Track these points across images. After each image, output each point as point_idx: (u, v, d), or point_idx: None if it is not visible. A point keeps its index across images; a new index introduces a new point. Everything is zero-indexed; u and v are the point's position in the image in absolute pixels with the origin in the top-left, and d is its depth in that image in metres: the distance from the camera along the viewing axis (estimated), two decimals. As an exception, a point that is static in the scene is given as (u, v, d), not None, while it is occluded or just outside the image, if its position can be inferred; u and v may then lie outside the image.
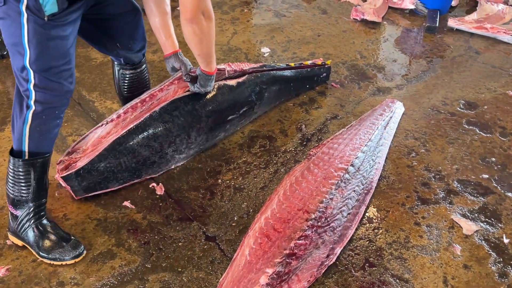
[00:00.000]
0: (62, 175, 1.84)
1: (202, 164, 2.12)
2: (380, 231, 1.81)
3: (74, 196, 1.88)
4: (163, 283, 1.62)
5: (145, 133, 1.95)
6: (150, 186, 1.98)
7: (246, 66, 2.32)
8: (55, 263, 1.66)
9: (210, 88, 2.06)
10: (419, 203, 1.93)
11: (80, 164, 1.86)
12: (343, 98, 2.53)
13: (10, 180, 1.66)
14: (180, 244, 1.76)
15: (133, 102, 2.06)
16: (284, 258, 1.53)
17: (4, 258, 1.69)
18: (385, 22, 3.27)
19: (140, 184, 2.00)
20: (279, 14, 3.36)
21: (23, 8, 1.43)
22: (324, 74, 2.60)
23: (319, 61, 2.57)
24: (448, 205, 1.93)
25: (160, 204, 1.92)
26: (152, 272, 1.66)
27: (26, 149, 1.62)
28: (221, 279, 1.59)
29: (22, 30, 1.46)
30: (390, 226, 1.83)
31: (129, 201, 1.92)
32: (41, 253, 1.67)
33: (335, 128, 2.31)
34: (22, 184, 1.65)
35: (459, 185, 2.02)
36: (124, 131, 1.93)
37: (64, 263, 1.66)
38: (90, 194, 1.91)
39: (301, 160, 2.10)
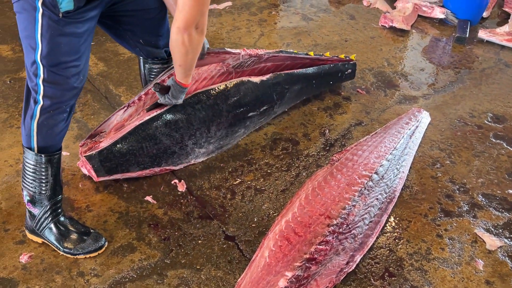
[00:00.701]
0: (86, 155, 1.86)
1: (224, 164, 2.12)
2: (402, 241, 1.79)
3: (95, 177, 1.90)
4: (182, 279, 1.63)
5: (167, 123, 1.97)
6: (172, 182, 2.00)
7: (261, 51, 2.31)
8: (79, 257, 1.67)
9: (181, 101, 1.95)
10: (442, 215, 1.91)
11: (103, 144, 1.89)
12: (368, 105, 2.51)
13: (29, 176, 1.65)
14: (199, 241, 1.76)
15: (151, 84, 2.06)
16: (304, 263, 1.52)
17: (27, 245, 1.72)
18: (413, 31, 3.24)
19: (162, 180, 2.01)
20: (306, 17, 3.35)
21: (39, 3, 1.44)
22: (350, 71, 2.54)
23: (341, 56, 2.53)
24: (471, 218, 1.90)
25: (182, 200, 1.93)
26: (171, 268, 1.67)
27: (35, 145, 1.62)
28: (239, 279, 1.59)
29: (36, 25, 1.46)
30: (412, 236, 1.81)
31: (151, 196, 1.93)
32: (62, 249, 1.68)
33: (359, 134, 2.29)
34: (43, 180, 1.65)
35: (483, 199, 1.99)
36: (147, 117, 1.95)
37: (87, 256, 1.67)
38: (111, 177, 1.93)
39: (324, 165, 2.09)
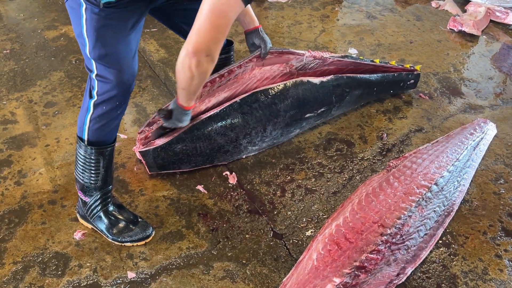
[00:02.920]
0: (140, 150, 1.89)
1: (276, 160, 2.10)
2: (457, 257, 1.71)
3: (148, 171, 1.94)
4: (227, 272, 1.63)
5: (223, 122, 1.97)
6: (224, 174, 2.00)
7: (326, 54, 2.26)
8: (126, 244, 1.70)
9: (186, 123, 1.87)
10: (503, 234, 1.80)
11: (159, 142, 1.91)
12: (430, 111, 2.40)
13: (80, 167, 1.67)
14: (247, 236, 1.76)
15: (211, 77, 2.06)
16: (353, 270, 1.48)
17: (81, 223, 1.77)
18: (484, 36, 3.07)
19: (214, 170, 2.02)
20: (371, 16, 3.26)
21: None
22: (412, 81, 2.47)
23: (407, 65, 2.45)
24: (535, 241, 1.78)
25: (232, 193, 1.93)
26: (218, 259, 1.67)
27: (86, 138, 1.62)
28: (285, 279, 1.57)
29: (81, 20, 1.46)
30: (468, 254, 1.72)
31: (202, 185, 1.94)
32: (111, 237, 1.70)
33: (419, 141, 2.20)
34: (93, 172, 1.66)
35: (550, 222, 1.86)
36: (204, 117, 1.95)
37: (134, 244, 1.69)
38: (162, 172, 1.95)
39: (379, 171, 2.03)
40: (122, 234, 1.69)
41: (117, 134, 2.16)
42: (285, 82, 2.11)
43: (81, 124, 1.62)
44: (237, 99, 2.02)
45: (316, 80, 2.17)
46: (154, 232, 1.73)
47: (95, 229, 1.74)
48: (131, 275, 1.61)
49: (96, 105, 1.56)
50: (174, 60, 2.70)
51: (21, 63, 2.65)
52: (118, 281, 1.59)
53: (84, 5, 1.44)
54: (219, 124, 1.96)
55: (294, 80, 2.13)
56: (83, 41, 1.49)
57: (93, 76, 1.53)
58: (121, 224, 1.70)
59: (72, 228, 1.76)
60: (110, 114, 1.58)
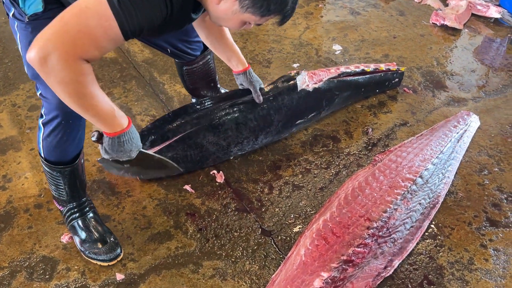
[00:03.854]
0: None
1: (262, 157, 2.11)
2: (443, 248, 1.73)
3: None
4: (216, 270, 1.63)
5: (216, 133, 1.95)
6: (211, 173, 2.00)
7: (323, 74, 2.25)
8: (90, 260, 1.64)
9: (128, 156, 1.47)
10: (488, 225, 1.83)
11: (149, 151, 1.87)
12: (415, 105, 2.43)
13: (48, 180, 1.63)
14: (235, 234, 1.76)
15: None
16: (340, 264, 1.49)
17: (69, 225, 1.76)
18: (466, 30, 3.11)
19: (202, 170, 2.02)
20: (354, 11, 3.28)
21: (11, 15, 1.36)
22: (396, 80, 2.50)
23: (393, 67, 2.47)
24: (519, 230, 1.81)
25: (219, 192, 1.93)
26: (207, 258, 1.67)
27: (43, 155, 1.56)
28: (273, 275, 1.58)
29: (17, 38, 1.40)
30: (454, 244, 1.75)
31: (189, 185, 1.94)
32: (79, 247, 1.67)
33: (404, 135, 2.23)
34: (59, 186, 1.62)
35: (533, 211, 1.89)
36: (196, 127, 1.92)
37: (98, 263, 1.63)
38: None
39: (365, 165, 2.05)
40: (89, 249, 1.64)
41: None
42: (280, 91, 2.10)
43: (37, 142, 1.55)
44: (231, 109, 1.99)
45: (310, 87, 2.17)
46: (121, 255, 1.66)
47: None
48: (119, 276, 1.60)
49: (44, 124, 1.48)
50: (159, 60, 2.70)
51: (4, 67, 2.63)
52: (107, 283, 1.58)
53: (16, 22, 1.36)
54: (212, 134, 1.94)
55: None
56: (23, 60, 1.39)
57: (39, 95, 1.43)
58: (91, 239, 1.65)
59: (59, 231, 1.75)
60: (58, 134, 1.47)
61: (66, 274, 1.61)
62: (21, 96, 2.41)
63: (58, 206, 1.70)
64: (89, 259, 1.65)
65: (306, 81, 2.14)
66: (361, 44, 2.92)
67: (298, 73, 2.17)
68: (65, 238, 1.72)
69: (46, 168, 1.59)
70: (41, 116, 1.48)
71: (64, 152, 1.55)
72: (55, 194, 1.66)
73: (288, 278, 1.50)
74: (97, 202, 1.85)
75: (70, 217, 1.68)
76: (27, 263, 1.64)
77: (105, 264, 1.63)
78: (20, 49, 1.43)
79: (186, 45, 1.94)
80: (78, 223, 1.67)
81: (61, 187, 1.62)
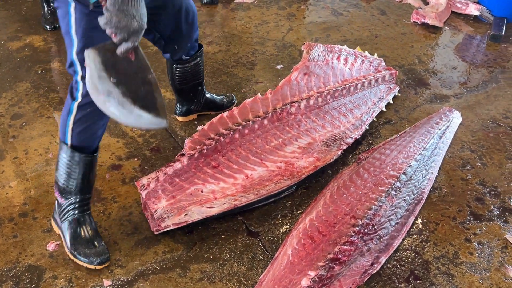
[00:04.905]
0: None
1: (249, 159, 2.11)
2: (428, 244, 1.75)
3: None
4: (204, 273, 1.64)
5: None
6: (197, 176, 2.00)
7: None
8: (76, 261, 1.64)
9: (126, 25, 1.25)
10: (471, 219, 1.85)
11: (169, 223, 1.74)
12: (397, 103, 2.45)
13: (60, 169, 1.63)
14: (223, 236, 1.76)
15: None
16: (327, 262, 1.50)
17: (54, 233, 1.75)
18: (446, 28, 3.15)
19: (187, 174, 2.01)
20: (336, 12, 3.30)
21: None
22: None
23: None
24: (502, 223, 1.84)
25: (206, 195, 1.93)
26: (194, 261, 1.67)
27: (69, 141, 1.59)
28: (261, 276, 1.58)
29: (70, 20, 1.42)
30: (439, 239, 1.77)
31: (175, 189, 1.94)
32: (68, 247, 1.65)
33: (388, 133, 2.25)
34: (72, 176, 1.62)
35: (515, 204, 1.92)
36: None
37: (85, 265, 1.63)
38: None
39: (350, 164, 2.06)
40: (79, 249, 1.63)
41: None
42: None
43: (63, 127, 1.58)
44: None
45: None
46: (108, 261, 1.65)
47: (60, 234, 1.70)
48: (107, 283, 1.59)
49: (80, 107, 1.53)
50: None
51: (-15, 75, 2.60)
52: (94, 290, 1.58)
53: (73, 4, 1.39)
54: None
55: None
56: (70, 41, 1.45)
57: (78, 77, 1.49)
58: (84, 238, 1.64)
59: (45, 239, 1.74)
60: (93, 117, 1.54)
61: (53, 282, 1.60)
62: (3, 105, 2.39)
63: (59, 198, 1.67)
64: (75, 260, 1.64)
65: None
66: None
67: None
68: (51, 246, 1.71)
69: (66, 154, 1.59)
70: (75, 99, 1.51)
71: (94, 136, 1.61)
72: (63, 184, 1.64)
73: (275, 279, 1.51)
74: (82, 209, 1.84)
75: (69, 212, 1.66)
76: (13, 272, 1.63)
77: (92, 267, 1.62)
78: (68, 30, 1.43)
79: (186, 43, 1.96)
80: (75, 219, 1.66)
81: (73, 176, 1.62)
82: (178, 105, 2.27)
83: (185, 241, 1.74)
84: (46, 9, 3.04)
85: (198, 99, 2.23)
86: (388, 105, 2.42)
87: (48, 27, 3.01)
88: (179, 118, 2.29)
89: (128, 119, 1.35)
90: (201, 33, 2.99)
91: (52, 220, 1.76)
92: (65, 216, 1.67)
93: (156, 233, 1.73)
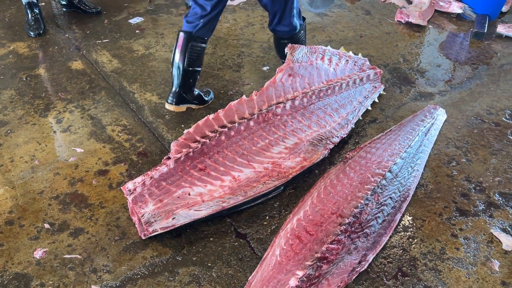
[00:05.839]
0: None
1: (236, 161, 2.11)
2: (415, 240, 1.76)
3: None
4: (193, 276, 1.63)
5: None
6: (185, 179, 2.00)
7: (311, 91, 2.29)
8: None
9: None
10: (457, 214, 1.87)
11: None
12: (383, 102, 2.47)
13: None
14: (211, 239, 1.76)
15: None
16: (315, 262, 1.51)
17: (41, 241, 1.74)
18: (430, 26, 3.18)
19: (175, 177, 2.01)
20: (321, 13, 3.32)
21: None
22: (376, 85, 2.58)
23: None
24: (488, 218, 1.86)
25: (193, 198, 1.93)
26: (183, 265, 1.67)
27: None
28: (250, 277, 1.59)
29: None
30: (426, 236, 1.78)
31: (163, 193, 1.93)
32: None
33: (374, 132, 2.26)
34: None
35: (500, 198, 1.94)
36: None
37: None
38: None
39: (337, 163, 2.07)
40: None
41: (74, 148, 2.14)
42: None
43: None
44: None
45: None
46: None
47: None
48: (95, 289, 1.59)
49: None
50: (128, 69, 2.69)
51: (-31, 84, 2.58)
52: (83, 296, 1.57)
53: None
54: None
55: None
56: None
57: None
58: None
59: (31, 247, 1.72)
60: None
61: (40, 290, 1.59)
62: (-12, 113, 2.37)
63: None
64: None
65: None
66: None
67: None
68: (38, 254, 1.69)
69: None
70: None
71: None
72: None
73: (264, 279, 1.51)
74: (70, 215, 1.84)
75: None
76: (0, 281, 1.61)
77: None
78: None
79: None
80: None
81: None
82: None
83: (173, 245, 1.74)
84: (30, 15, 3.02)
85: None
86: (373, 104, 2.44)
87: (32, 33, 2.99)
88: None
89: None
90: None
91: None
92: None
93: (144, 237, 1.72)
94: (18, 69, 2.70)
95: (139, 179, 1.82)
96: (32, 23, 3.01)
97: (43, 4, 3.44)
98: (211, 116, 2.05)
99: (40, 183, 1.98)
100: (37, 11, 3.04)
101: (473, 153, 2.16)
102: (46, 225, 1.80)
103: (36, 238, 1.75)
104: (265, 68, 2.72)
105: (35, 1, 3.04)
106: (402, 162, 1.91)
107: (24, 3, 3.02)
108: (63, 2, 3.30)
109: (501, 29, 3.06)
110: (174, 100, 2.32)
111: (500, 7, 3.25)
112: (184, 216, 1.74)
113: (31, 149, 2.15)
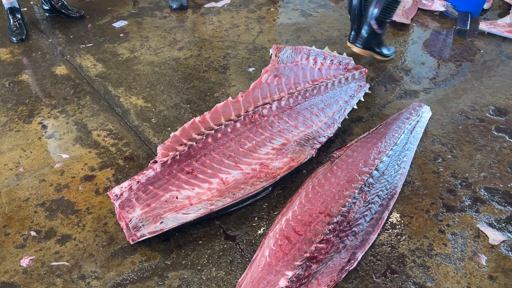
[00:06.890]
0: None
1: (224, 163, 2.11)
2: (403, 237, 1.78)
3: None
4: (182, 280, 1.63)
5: None
6: (172, 183, 1.99)
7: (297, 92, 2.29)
8: None
9: None
10: (444, 210, 1.89)
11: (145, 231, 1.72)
12: (368, 100, 2.49)
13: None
14: (200, 242, 1.76)
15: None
16: (304, 261, 1.51)
17: (28, 249, 1.72)
18: (414, 24, 3.21)
19: (162, 181, 2.00)
20: (305, 13, 3.33)
21: None
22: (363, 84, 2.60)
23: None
24: (474, 213, 1.88)
25: (182, 201, 1.92)
26: (172, 269, 1.66)
27: None
28: (240, 279, 1.58)
29: None
30: (414, 232, 1.80)
31: (151, 197, 1.92)
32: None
33: (360, 130, 2.28)
34: None
35: (486, 193, 1.97)
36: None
37: None
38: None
39: (324, 162, 2.08)
40: None
41: (59, 154, 2.12)
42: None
43: None
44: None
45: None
46: None
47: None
48: (84, 295, 1.57)
49: None
50: (113, 73, 2.68)
51: (-50, 91, 2.54)
52: (71, 304, 1.55)
53: None
54: None
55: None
56: None
57: None
58: None
59: (18, 255, 1.70)
60: None
61: (27, 298, 1.57)
62: (-30, 120, 2.34)
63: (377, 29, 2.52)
64: None
65: None
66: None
67: None
68: (25, 262, 1.67)
69: None
70: None
71: None
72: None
73: (254, 281, 1.51)
74: (56, 222, 1.82)
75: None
76: (-14, 291, 1.59)
77: None
78: None
79: None
80: None
81: None
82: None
83: (162, 249, 1.73)
84: (12, 21, 2.99)
85: None
86: (359, 103, 2.45)
87: (14, 39, 2.96)
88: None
89: None
90: (171, 39, 2.99)
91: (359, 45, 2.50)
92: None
93: (132, 242, 1.71)
94: (1, 76, 2.67)
95: (125, 184, 1.81)
96: (14, 28, 2.98)
97: (26, 9, 3.40)
98: (197, 119, 2.04)
99: (25, 190, 1.95)
100: (19, 16, 3.00)
101: (459, 149, 2.18)
102: (33, 233, 1.78)
103: (23, 246, 1.73)
104: (250, 70, 2.73)
105: (17, 6, 3.01)
106: (388, 160, 1.93)
107: (6, 8, 2.99)
108: (46, 7, 3.27)
109: (483, 26, 3.10)
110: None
111: (481, 4, 3.29)
112: (172, 220, 1.73)
113: (15, 156, 2.12)
